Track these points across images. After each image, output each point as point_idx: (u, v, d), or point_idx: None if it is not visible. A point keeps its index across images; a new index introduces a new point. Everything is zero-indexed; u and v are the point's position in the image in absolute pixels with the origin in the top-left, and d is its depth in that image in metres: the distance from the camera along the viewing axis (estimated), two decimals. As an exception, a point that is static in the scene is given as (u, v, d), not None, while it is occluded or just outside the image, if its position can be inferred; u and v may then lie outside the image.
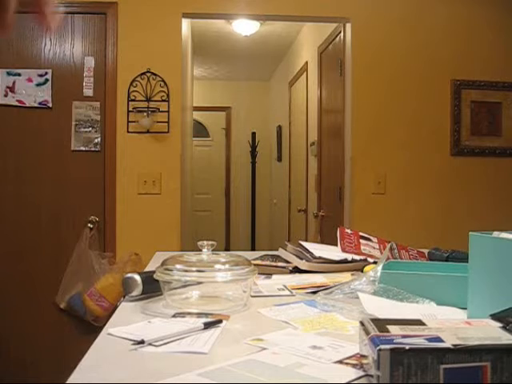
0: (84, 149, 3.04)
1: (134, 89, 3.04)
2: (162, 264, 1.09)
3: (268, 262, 1.55)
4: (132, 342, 0.82)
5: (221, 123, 7.53)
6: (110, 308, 2.73)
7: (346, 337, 0.87)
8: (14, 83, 2.99)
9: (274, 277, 1.43)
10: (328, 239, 3.01)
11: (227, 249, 7.00)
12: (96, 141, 3.05)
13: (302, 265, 1.49)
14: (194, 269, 1.06)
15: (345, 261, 1.51)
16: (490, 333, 0.64)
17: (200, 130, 7.39)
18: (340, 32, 3.42)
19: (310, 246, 1.59)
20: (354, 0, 3.23)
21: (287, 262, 1.56)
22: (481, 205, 3.24)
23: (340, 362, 0.74)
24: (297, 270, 1.50)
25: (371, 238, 1.71)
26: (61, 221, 3.02)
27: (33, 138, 3.01)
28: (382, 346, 0.59)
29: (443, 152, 3.25)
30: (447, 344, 0.60)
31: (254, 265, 1.12)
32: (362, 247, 1.62)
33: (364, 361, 0.68)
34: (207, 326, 0.90)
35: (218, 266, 1.08)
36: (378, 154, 3.20)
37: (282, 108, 6.05)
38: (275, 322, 0.97)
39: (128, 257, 2.91)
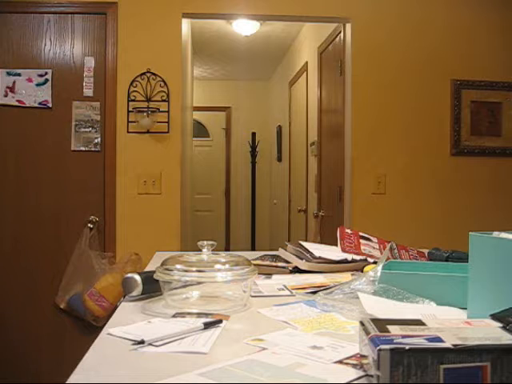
0: (84, 149, 3.04)
1: (134, 89, 3.04)
2: (162, 264, 1.09)
3: (268, 262, 1.55)
4: (132, 342, 0.82)
5: (221, 123, 7.53)
6: (110, 308, 2.73)
7: (346, 337, 0.87)
8: (14, 83, 2.99)
9: (274, 277, 1.43)
10: (328, 239, 3.01)
11: (227, 249, 7.00)
12: (96, 141, 3.05)
13: (302, 265, 1.49)
14: (193, 269, 1.06)
15: (345, 261, 1.51)
16: (490, 333, 0.64)
17: (200, 130, 7.39)
18: (340, 32, 3.42)
19: (310, 246, 1.59)
20: (354, 0, 3.23)
21: (287, 262, 1.56)
22: (481, 205, 3.24)
23: (340, 362, 0.74)
24: (297, 270, 1.50)
25: (371, 237, 1.71)
26: (61, 221, 3.02)
27: (33, 138, 3.01)
28: (382, 346, 0.59)
29: (443, 152, 3.25)
30: (447, 344, 0.60)
31: (254, 265, 1.12)
32: (362, 247, 1.62)
33: (364, 361, 0.68)
34: (207, 326, 0.90)
35: (218, 266, 1.08)
36: (378, 154, 3.20)
37: (282, 108, 6.05)
38: (275, 322, 0.97)
39: (128, 257, 2.91)
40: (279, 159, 6.35)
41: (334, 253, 1.56)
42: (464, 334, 0.64)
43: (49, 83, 3.01)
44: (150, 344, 0.81)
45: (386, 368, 0.59)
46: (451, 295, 1.02)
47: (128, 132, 3.05)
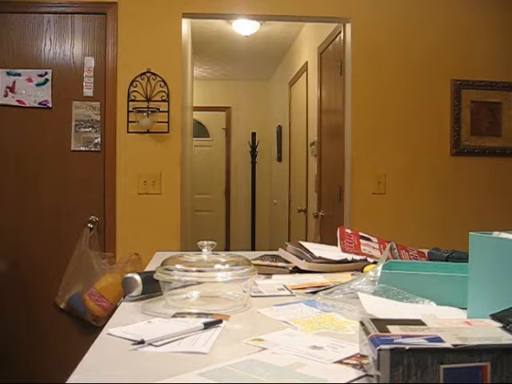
0: (84, 149, 3.04)
1: (134, 89, 3.04)
2: (162, 264, 1.09)
3: (268, 262, 1.55)
4: (132, 342, 0.82)
5: (221, 123, 7.53)
6: (110, 308, 2.73)
7: (346, 337, 0.87)
8: (14, 83, 2.99)
9: (273, 277, 1.43)
10: (328, 239, 3.01)
11: (227, 249, 6.99)
12: (96, 141, 3.04)
13: (302, 265, 1.49)
14: (193, 269, 1.06)
15: (345, 261, 1.51)
16: (490, 333, 0.64)
17: (200, 130, 7.38)
18: (340, 32, 3.42)
19: (310, 246, 1.59)
20: (354, 0, 3.23)
21: (287, 262, 1.56)
22: (481, 205, 3.24)
23: (340, 362, 0.74)
24: (297, 270, 1.50)
25: (371, 237, 1.71)
26: (61, 221, 3.02)
27: (33, 138, 3.01)
28: (382, 346, 0.59)
29: (443, 152, 3.25)
30: (447, 344, 0.60)
31: (254, 265, 1.12)
32: (362, 247, 1.62)
33: (364, 361, 0.68)
34: (207, 326, 0.90)
35: (217, 266, 1.08)
36: (378, 154, 3.20)
37: (282, 108, 6.05)
38: (275, 322, 0.97)
39: (128, 257, 2.91)
40: (279, 159, 6.35)
41: (334, 253, 1.56)
42: (464, 334, 0.64)
43: (49, 83, 3.01)
44: (150, 344, 0.81)
45: (386, 368, 0.59)
46: (451, 295, 1.02)
47: (128, 132, 3.05)
